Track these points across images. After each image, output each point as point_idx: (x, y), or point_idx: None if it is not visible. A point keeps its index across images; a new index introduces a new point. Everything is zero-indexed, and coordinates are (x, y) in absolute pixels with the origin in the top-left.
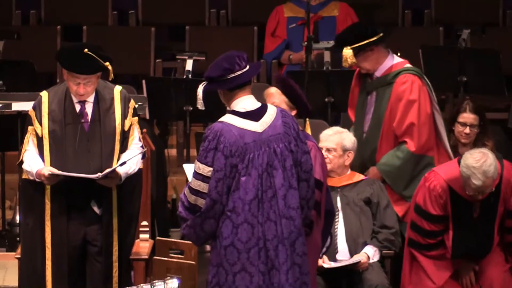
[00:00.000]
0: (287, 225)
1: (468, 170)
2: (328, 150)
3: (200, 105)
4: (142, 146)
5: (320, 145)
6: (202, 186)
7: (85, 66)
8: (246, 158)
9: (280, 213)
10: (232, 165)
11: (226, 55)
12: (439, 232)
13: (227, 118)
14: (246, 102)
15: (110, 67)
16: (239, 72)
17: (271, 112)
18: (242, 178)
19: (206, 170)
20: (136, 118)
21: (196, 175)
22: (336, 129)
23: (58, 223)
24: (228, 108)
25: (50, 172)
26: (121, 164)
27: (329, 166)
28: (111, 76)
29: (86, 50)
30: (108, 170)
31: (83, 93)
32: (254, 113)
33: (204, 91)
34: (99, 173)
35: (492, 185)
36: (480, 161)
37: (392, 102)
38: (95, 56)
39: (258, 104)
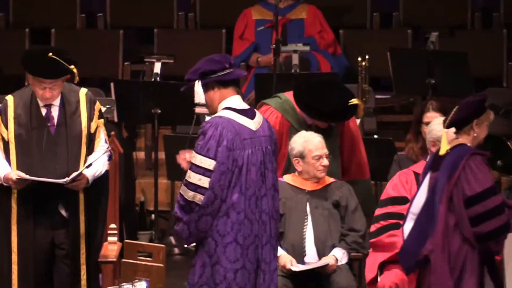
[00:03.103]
0: (275, 225)
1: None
2: (326, 156)
3: (202, 100)
4: (108, 148)
5: (317, 153)
6: (203, 180)
7: (50, 70)
8: (245, 153)
9: (269, 212)
10: (234, 159)
11: (214, 55)
12: (396, 215)
13: (226, 113)
14: (237, 100)
15: (75, 70)
16: (232, 69)
17: (259, 114)
18: (243, 173)
19: (207, 163)
20: (102, 120)
21: (196, 168)
22: (318, 135)
23: (24, 227)
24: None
25: (18, 177)
26: (87, 167)
27: (324, 174)
28: (77, 79)
29: (50, 54)
30: (75, 173)
31: (49, 97)
32: (248, 111)
33: (201, 86)
34: (67, 178)
35: None
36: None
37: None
38: (59, 60)
39: (247, 105)
